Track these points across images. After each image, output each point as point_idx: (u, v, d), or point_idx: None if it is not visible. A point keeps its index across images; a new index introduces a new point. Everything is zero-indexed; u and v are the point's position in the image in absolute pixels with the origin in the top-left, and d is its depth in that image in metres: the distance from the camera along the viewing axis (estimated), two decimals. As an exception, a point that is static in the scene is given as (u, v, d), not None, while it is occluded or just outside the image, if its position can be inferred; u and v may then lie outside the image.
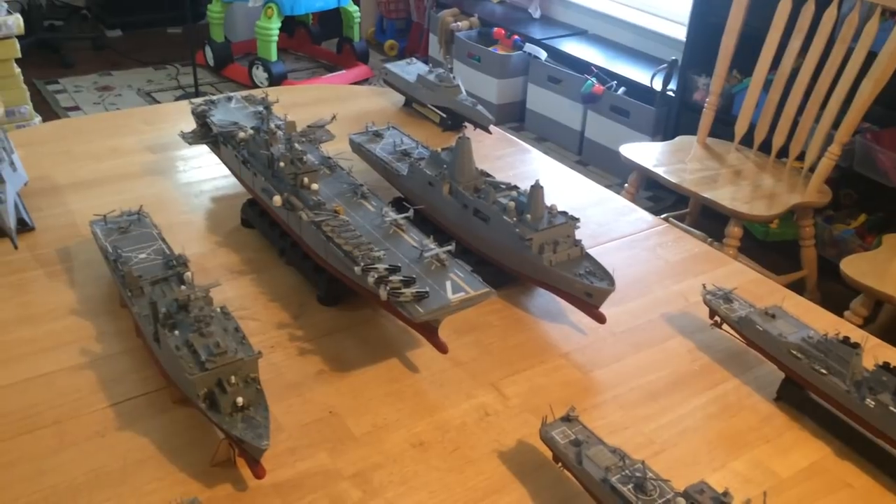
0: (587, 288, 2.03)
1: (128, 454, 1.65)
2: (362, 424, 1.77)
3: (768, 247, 5.03)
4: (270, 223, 2.36)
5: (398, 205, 2.35)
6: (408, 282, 1.85)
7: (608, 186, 2.93)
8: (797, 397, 1.85)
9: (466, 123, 3.17)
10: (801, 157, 4.28)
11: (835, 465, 1.71)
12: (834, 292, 4.23)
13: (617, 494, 1.45)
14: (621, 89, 6.07)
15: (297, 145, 2.22)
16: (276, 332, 2.05)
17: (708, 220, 4.73)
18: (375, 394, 1.86)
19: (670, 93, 5.70)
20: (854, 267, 3.47)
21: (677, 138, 4.78)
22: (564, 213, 2.15)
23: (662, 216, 3.46)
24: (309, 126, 2.57)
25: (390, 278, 1.85)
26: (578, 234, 2.13)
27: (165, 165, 2.82)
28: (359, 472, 1.65)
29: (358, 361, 1.96)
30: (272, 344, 2.00)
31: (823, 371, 1.75)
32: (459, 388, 1.89)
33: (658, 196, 5.78)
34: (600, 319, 2.04)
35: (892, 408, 1.62)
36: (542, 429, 1.62)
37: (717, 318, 2.02)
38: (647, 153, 4.51)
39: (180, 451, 1.66)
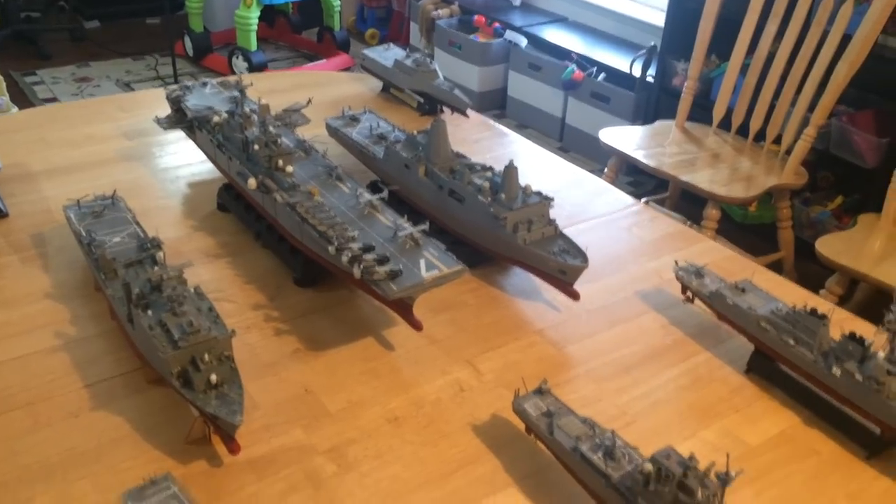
0: (561, 265, 2.04)
1: (102, 433, 1.66)
2: (337, 401, 1.79)
3: (746, 229, 5.07)
4: (246, 207, 2.37)
5: (374, 188, 2.35)
6: (382, 260, 1.87)
7: (589, 172, 2.94)
8: (767, 368, 1.88)
9: (444, 107, 3.18)
10: (778, 141, 4.32)
11: (803, 433, 1.74)
12: (810, 273, 4.28)
13: (587, 462, 1.47)
14: (601, 75, 6.09)
15: (271, 128, 2.22)
16: (251, 313, 2.05)
17: (687, 204, 4.76)
18: (350, 372, 1.88)
19: (650, 78, 5.72)
20: (829, 246, 3.51)
21: (656, 122, 4.81)
22: (539, 193, 2.17)
23: (643, 200, 3.48)
24: (284, 110, 2.57)
25: (364, 257, 1.86)
26: (554, 215, 2.15)
27: (141, 151, 2.82)
28: (334, 447, 1.66)
29: (333, 341, 1.97)
30: (248, 325, 2.00)
31: (792, 342, 1.78)
32: (434, 365, 1.91)
33: (638, 181, 5.81)
34: (574, 296, 2.06)
35: (857, 376, 1.65)
36: (515, 401, 1.64)
37: (689, 293, 2.05)
38: (626, 138, 4.54)
39: (155, 430, 1.67)
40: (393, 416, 1.76)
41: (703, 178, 4.12)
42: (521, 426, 1.68)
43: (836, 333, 1.76)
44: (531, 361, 1.93)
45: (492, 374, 1.89)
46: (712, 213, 4.07)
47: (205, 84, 2.73)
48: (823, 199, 4.84)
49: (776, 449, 1.70)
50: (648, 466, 1.36)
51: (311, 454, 1.64)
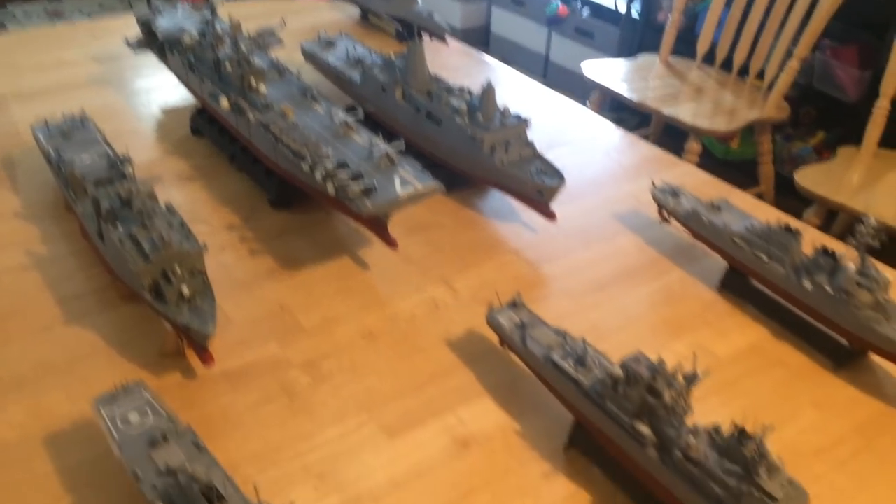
0: (537, 185, 2.04)
1: (75, 347, 1.65)
2: (312, 318, 1.79)
3: (728, 165, 5.07)
4: (220, 130, 2.33)
5: (350, 112, 2.32)
6: (356, 177, 1.85)
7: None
8: (739, 285, 1.89)
9: (423, 34, 3.12)
10: (761, 76, 4.28)
11: (771, 345, 1.77)
12: (789, 208, 4.28)
13: (558, 370, 1.48)
14: (586, 11, 5.99)
15: (243, 47, 2.17)
16: (226, 234, 2.04)
17: (670, 139, 4.74)
18: (326, 290, 1.88)
19: (635, 13, 5.64)
20: (808, 177, 3.52)
21: (640, 56, 4.75)
22: (517, 115, 2.14)
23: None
24: (258, 32, 2.51)
25: (338, 174, 1.84)
26: (533, 139, 2.13)
27: (113, 76, 2.76)
28: (308, 361, 1.67)
29: (309, 260, 1.96)
30: (222, 245, 1.99)
31: (764, 257, 1.79)
32: (410, 283, 1.91)
33: (621, 118, 5.77)
34: (551, 217, 2.06)
35: (827, 288, 1.67)
36: (489, 314, 1.65)
37: (665, 213, 2.05)
38: (609, 71, 4.49)
39: (128, 344, 1.67)
40: (368, 331, 1.76)
41: (685, 112, 4.09)
42: (495, 340, 1.70)
43: (809, 251, 1.77)
44: (506, 279, 1.93)
45: (467, 292, 1.89)
46: (693, 146, 4.05)
47: (176, 7, 2.66)
48: (805, 134, 4.83)
49: (745, 361, 1.72)
50: (618, 371, 1.38)
51: (285, 367, 1.65)
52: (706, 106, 4.18)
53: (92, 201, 1.71)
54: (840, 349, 1.72)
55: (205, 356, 1.56)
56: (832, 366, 1.71)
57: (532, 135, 2.13)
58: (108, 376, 1.57)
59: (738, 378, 1.67)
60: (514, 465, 1.47)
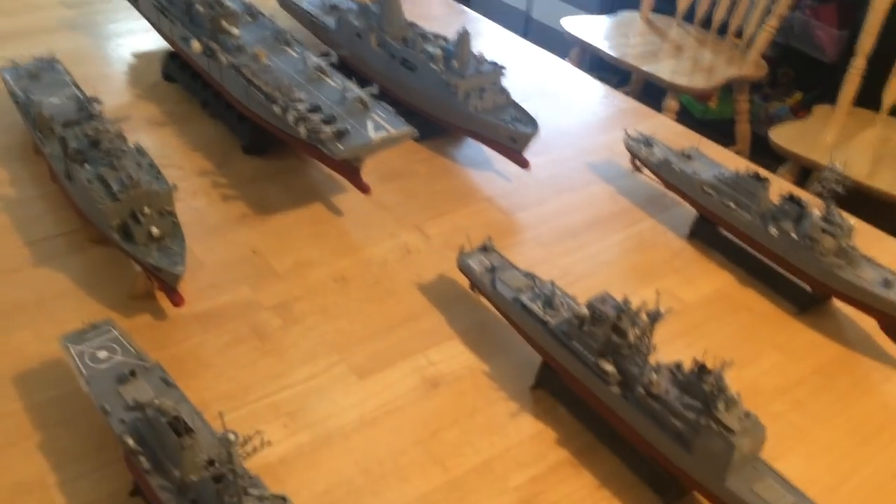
0: (511, 132, 2.04)
1: (44, 289, 1.65)
2: (285, 262, 1.79)
3: (706, 125, 5.08)
4: (192, 75, 2.30)
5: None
6: (328, 120, 1.84)
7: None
8: (708, 233, 1.92)
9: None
10: (740, 35, 4.27)
11: (737, 291, 1.80)
12: (765, 167, 4.33)
13: (527, 311, 1.50)
14: (568, -33, 5.92)
15: (214, -12, 2.13)
16: (198, 179, 2.03)
17: (649, 99, 4.73)
18: (299, 235, 1.88)
19: (617, -30, 5.58)
20: (783, 135, 3.54)
21: (620, 13, 4.72)
22: (492, 62, 2.14)
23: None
24: (230, -25, 2.46)
25: (310, 117, 1.83)
26: (510, 90, 2.12)
27: (83, 20, 2.70)
28: (280, 304, 1.68)
29: (282, 206, 1.96)
30: (194, 190, 1.98)
31: (732, 205, 1.81)
32: (383, 230, 1.91)
33: (602, 77, 5.75)
34: (524, 164, 2.06)
35: (793, 234, 1.70)
36: (460, 258, 1.66)
37: (637, 162, 2.06)
38: (589, 27, 4.46)
39: (98, 287, 1.66)
40: (340, 275, 1.77)
41: (664, 69, 4.08)
42: (466, 284, 1.71)
43: (777, 200, 1.80)
44: (479, 226, 1.94)
45: (439, 238, 1.90)
46: (671, 104, 4.06)
47: (147, -51, 2.60)
48: (782, 94, 4.84)
49: (711, 306, 1.76)
50: (584, 311, 1.40)
51: (256, 309, 1.66)
52: (685, 63, 4.17)
53: (60, 142, 1.69)
54: (803, 295, 1.75)
55: (175, 297, 1.56)
56: (795, 311, 1.75)
57: (508, 85, 2.12)
58: (77, 317, 1.56)
59: (703, 322, 1.71)
60: (482, 404, 1.50)
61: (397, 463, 1.37)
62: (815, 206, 1.71)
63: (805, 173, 3.75)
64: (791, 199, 1.74)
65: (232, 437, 1.01)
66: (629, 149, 2.06)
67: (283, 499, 1.08)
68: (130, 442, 1.17)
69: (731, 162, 2.12)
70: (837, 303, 1.75)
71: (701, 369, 1.26)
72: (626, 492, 1.35)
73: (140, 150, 1.71)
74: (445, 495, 1.32)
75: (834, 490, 1.37)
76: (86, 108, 1.84)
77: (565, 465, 1.39)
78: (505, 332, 1.62)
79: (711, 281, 1.82)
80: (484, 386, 1.53)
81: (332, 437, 1.41)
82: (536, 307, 1.50)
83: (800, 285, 1.75)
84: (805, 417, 1.50)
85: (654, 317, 1.30)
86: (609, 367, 1.35)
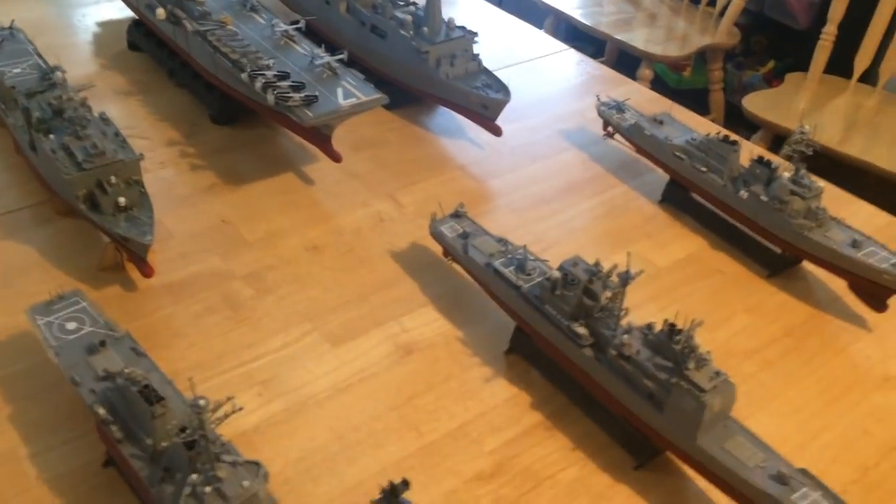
0: (483, 99, 2.02)
1: (10, 261, 1.62)
2: (256, 231, 1.77)
3: (681, 94, 5.09)
4: (158, 43, 2.25)
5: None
6: (297, 87, 1.81)
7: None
8: (679, 198, 1.92)
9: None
10: (713, 3, 4.27)
11: (709, 255, 1.81)
12: (739, 137, 4.36)
13: (499, 276, 1.50)
14: (541, -65, 5.86)
15: (178, -46, 2.09)
16: (166, 149, 1.99)
17: (624, 69, 4.72)
18: (270, 204, 1.86)
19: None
20: (756, 103, 3.55)
21: (594, -19, 4.69)
22: (463, 28, 2.11)
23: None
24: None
25: (279, 84, 1.80)
26: (483, 58, 2.10)
27: (44, -10, 2.63)
28: (252, 273, 1.66)
29: (252, 175, 1.93)
30: (162, 160, 1.95)
31: (704, 169, 1.81)
32: (355, 198, 1.90)
33: (577, 47, 5.73)
34: (496, 132, 2.05)
35: (763, 197, 1.71)
36: (432, 224, 1.65)
37: (610, 128, 2.06)
38: (562, -4, 4.43)
39: (66, 259, 1.64)
40: (312, 244, 1.76)
41: (638, 38, 4.07)
42: (438, 252, 1.70)
43: (747, 163, 1.80)
44: (452, 194, 1.93)
45: (412, 207, 1.89)
46: (646, 72, 4.05)
47: (109, -85, 2.53)
48: (755, 63, 4.85)
49: (682, 269, 1.77)
50: (556, 274, 1.40)
51: (228, 279, 1.64)
52: (659, 32, 4.16)
53: (23, 112, 1.65)
54: (774, 258, 1.77)
55: (144, 267, 1.54)
56: (766, 274, 1.77)
57: (481, 54, 2.10)
58: (45, 289, 1.53)
59: (675, 285, 1.72)
60: (456, 370, 1.50)
61: (372, 429, 1.37)
62: (785, 170, 1.72)
63: (778, 141, 3.77)
64: (761, 161, 1.75)
65: (203, 402, 1.00)
66: (601, 114, 2.05)
67: (257, 464, 1.07)
68: (102, 412, 1.15)
69: (704, 128, 2.12)
70: (807, 265, 1.76)
71: (671, 329, 1.27)
72: (600, 453, 1.37)
73: (105, 120, 1.68)
74: (421, 460, 1.33)
75: (804, 448, 1.39)
76: (49, 78, 1.79)
77: (539, 429, 1.40)
78: (478, 298, 1.62)
79: (683, 245, 1.83)
80: (458, 352, 1.53)
81: (305, 404, 1.41)
82: (509, 272, 1.50)
83: (770, 248, 1.77)
84: (775, 378, 1.52)
85: (626, 279, 1.30)
86: (581, 330, 1.36)
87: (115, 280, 1.60)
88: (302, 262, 1.70)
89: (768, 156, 2.00)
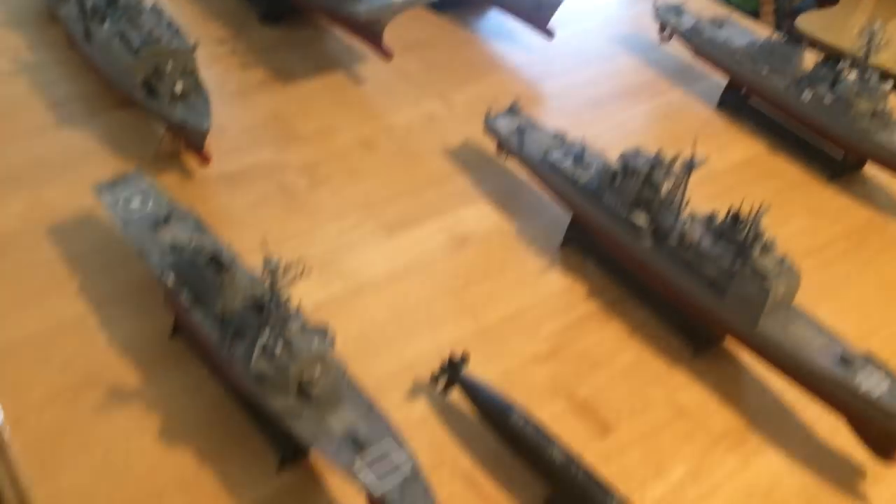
0: (536, 1, 1.98)
1: (69, 148, 1.64)
2: (308, 127, 1.77)
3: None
4: (206, -57, 2.22)
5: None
6: (350, -19, 1.78)
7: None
8: (738, 102, 1.88)
9: None
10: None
11: (768, 159, 1.78)
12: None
13: (557, 169, 1.49)
14: None
15: None
16: (216, 47, 1.98)
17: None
18: (320, 101, 1.85)
19: None
20: (810, 22, 3.43)
21: None
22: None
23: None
24: None
25: (332, -22, 1.78)
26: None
27: None
28: (306, 165, 1.67)
29: (301, 74, 1.92)
30: (212, 58, 1.94)
31: (765, 71, 1.77)
32: (406, 97, 1.88)
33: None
34: (549, 35, 2.01)
35: (827, 99, 1.66)
36: (487, 119, 1.64)
37: (667, 31, 2.01)
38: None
39: (123, 147, 1.65)
40: (364, 140, 1.75)
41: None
42: (491, 151, 1.69)
43: (809, 65, 1.76)
44: (503, 96, 1.88)
45: (463, 107, 1.87)
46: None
47: None
48: (808, -14, 4.69)
49: (740, 173, 1.74)
50: (616, 165, 1.39)
51: (282, 171, 1.65)
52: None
53: (77, 1, 1.64)
54: (835, 161, 1.73)
55: (201, 155, 1.55)
56: (827, 177, 1.73)
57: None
58: (106, 173, 1.56)
59: (732, 188, 1.69)
60: (511, 261, 1.50)
61: (429, 312, 1.39)
62: (850, 72, 1.67)
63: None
64: (826, 62, 1.70)
65: (275, 261, 1.02)
66: (659, 16, 2.00)
67: (325, 329, 1.09)
68: (171, 280, 1.17)
69: (765, 33, 2.06)
70: (869, 171, 1.73)
71: (736, 217, 1.26)
72: (657, 340, 1.37)
73: (157, 10, 1.67)
74: (477, 342, 1.34)
75: (861, 342, 1.37)
76: (100, -31, 1.78)
77: (595, 316, 1.41)
78: (532, 194, 1.61)
79: (741, 149, 1.80)
80: (512, 244, 1.54)
81: (363, 287, 1.42)
82: (566, 165, 1.48)
83: (831, 153, 1.73)
84: (834, 277, 1.51)
85: (690, 166, 1.28)
86: (641, 220, 1.35)
87: (171, 169, 1.61)
88: (354, 156, 1.70)
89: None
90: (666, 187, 1.34)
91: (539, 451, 1.10)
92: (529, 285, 1.45)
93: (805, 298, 1.32)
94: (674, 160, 1.33)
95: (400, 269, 1.46)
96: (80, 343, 1.27)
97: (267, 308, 1.05)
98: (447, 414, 1.23)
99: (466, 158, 1.72)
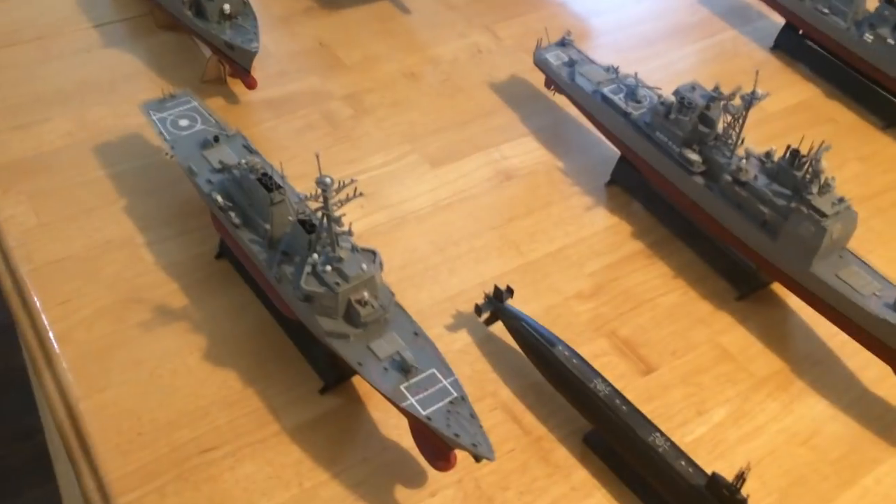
0: (590, -69, 1.91)
1: (115, 68, 1.63)
2: (353, 55, 1.74)
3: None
4: None
5: None
6: None
7: None
8: (794, 43, 1.82)
9: None
10: None
11: (822, 103, 1.73)
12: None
13: (608, 103, 1.46)
14: None
15: None
16: (260, -28, 1.95)
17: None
18: (366, 30, 1.82)
19: None
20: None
21: None
22: None
23: None
24: None
25: None
26: None
27: None
28: (350, 94, 1.65)
29: (347, 2, 1.88)
30: (256, -18, 1.91)
31: (825, 11, 1.70)
32: (452, 29, 1.84)
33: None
34: (601, -32, 1.95)
35: (889, 40, 1.60)
36: (536, 52, 1.60)
37: (724, -31, 1.94)
38: None
39: (169, 69, 1.64)
40: (409, 71, 1.72)
41: None
42: (538, 85, 1.66)
43: (871, 3, 1.69)
44: (552, 30, 1.83)
45: (511, 40, 1.83)
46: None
47: None
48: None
49: (793, 116, 1.69)
50: (671, 98, 1.35)
51: (327, 99, 1.63)
52: None
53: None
54: (894, 109, 1.68)
55: (248, 79, 1.53)
56: (883, 125, 1.68)
57: None
58: (151, 95, 1.55)
59: (784, 132, 1.64)
60: (556, 197, 1.48)
61: (472, 245, 1.38)
62: (917, 13, 1.60)
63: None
64: (890, 2, 1.63)
65: (328, 180, 1.01)
66: (716, -47, 1.92)
67: (374, 252, 1.09)
68: (219, 199, 1.17)
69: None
70: (927, 118, 1.67)
71: (795, 154, 1.22)
72: (702, 282, 1.36)
73: (204, -71, 1.63)
74: (521, 276, 1.33)
75: (911, 292, 1.36)
76: None
77: (640, 256, 1.39)
78: (579, 131, 1.59)
79: (795, 92, 1.75)
80: (558, 181, 1.51)
81: (406, 218, 1.41)
82: (618, 99, 1.45)
83: (890, 98, 1.67)
84: (887, 224, 1.48)
85: (750, 100, 1.24)
86: (694, 156, 1.32)
87: (217, 92, 1.60)
88: (399, 87, 1.68)
89: None
90: (724, 123, 1.31)
91: (583, 384, 1.10)
92: (574, 223, 1.44)
93: (856, 245, 1.30)
94: (732, 94, 1.29)
95: (443, 202, 1.45)
96: (127, 261, 1.29)
97: (318, 228, 1.05)
98: (489, 346, 1.23)
99: (513, 93, 1.69)
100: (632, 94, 1.45)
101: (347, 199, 1.03)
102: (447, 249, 1.37)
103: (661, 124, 1.36)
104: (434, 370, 1.02)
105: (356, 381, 1.16)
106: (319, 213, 1.03)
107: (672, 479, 1.02)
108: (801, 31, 1.80)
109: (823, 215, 1.17)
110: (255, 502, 1.04)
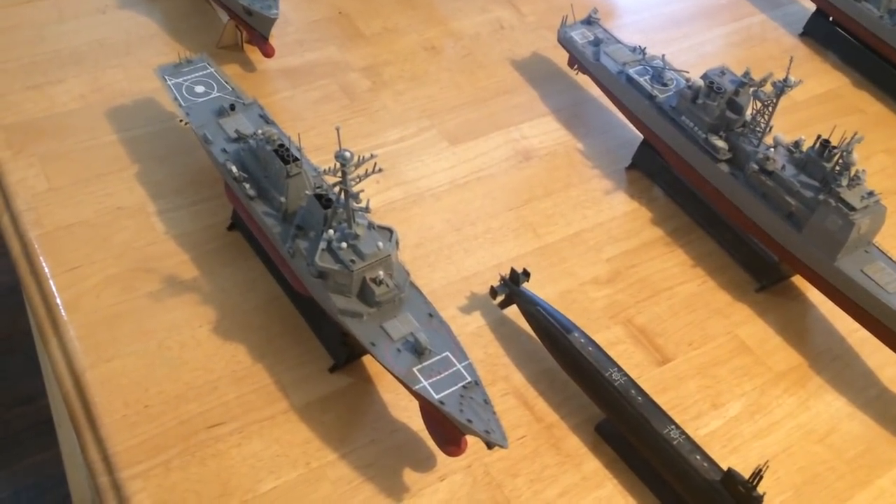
0: None
1: (130, 30, 1.60)
2: (372, 26, 1.71)
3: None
4: None
5: None
6: None
7: None
8: (824, 30, 1.77)
9: None
10: None
11: (851, 93, 1.69)
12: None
13: (633, 85, 1.42)
14: None
15: None
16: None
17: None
18: (386, 1, 1.78)
19: None
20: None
21: None
22: None
23: None
24: None
25: None
26: None
27: None
28: (369, 66, 1.61)
29: (368, -29, 1.85)
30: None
31: (859, -2, 1.66)
32: (474, 3, 1.80)
33: None
34: (629, -55, 1.90)
35: (925, 31, 1.56)
36: (561, 29, 1.56)
37: (755, -50, 1.89)
38: None
39: (185, 33, 1.61)
40: (429, 44, 1.69)
41: None
42: (561, 64, 1.62)
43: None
44: (576, 7, 1.79)
45: (534, 16, 1.79)
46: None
47: None
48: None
49: (820, 105, 1.65)
50: (699, 81, 1.32)
51: (345, 70, 1.60)
52: None
53: None
54: (924, 100, 1.64)
55: (265, 46, 1.50)
56: (912, 116, 1.64)
57: None
58: (167, 59, 1.52)
59: (810, 121, 1.61)
60: (575, 179, 1.46)
61: (489, 226, 1.36)
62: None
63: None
64: (929, -8, 1.59)
65: (348, 154, 0.98)
66: (748, -66, 1.87)
67: (390, 230, 1.07)
68: (234, 169, 1.15)
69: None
70: (958, 112, 1.63)
71: (825, 145, 1.19)
72: (721, 272, 1.33)
73: None
74: (537, 259, 1.31)
75: (935, 290, 1.33)
76: None
77: (659, 243, 1.37)
78: (602, 112, 1.55)
79: (823, 81, 1.71)
80: (577, 162, 1.48)
81: (423, 196, 1.39)
82: (644, 80, 1.41)
83: (921, 90, 1.63)
84: (913, 219, 1.44)
85: (781, 87, 1.21)
86: (720, 143, 1.29)
87: (233, 59, 1.57)
88: (419, 60, 1.64)
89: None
90: (752, 109, 1.28)
91: (598, 373, 1.07)
92: (593, 206, 1.41)
93: (883, 240, 1.27)
94: (763, 80, 1.25)
95: (460, 181, 1.42)
96: (138, 229, 1.27)
97: (335, 204, 1.02)
98: (502, 329, 1.21)
99: (535, 71, 1.65)
100: (658, 76, 1.41)
101: (366, 175, 1.01)
102: (463, 229, 1.34)
103: (687, 109, 1.33)
104: (448, 353, 1.00)
105: (367, 360, 1.14)
106: (337, 188, 1.00)
107: (686, 472, 1.00)
108: (831, 18, 1.76)
109: (852, 209, 1.14)
110: (261, 480, 1.02)
